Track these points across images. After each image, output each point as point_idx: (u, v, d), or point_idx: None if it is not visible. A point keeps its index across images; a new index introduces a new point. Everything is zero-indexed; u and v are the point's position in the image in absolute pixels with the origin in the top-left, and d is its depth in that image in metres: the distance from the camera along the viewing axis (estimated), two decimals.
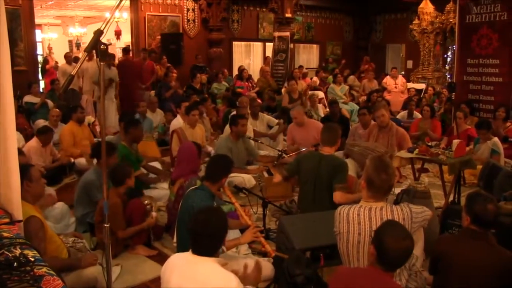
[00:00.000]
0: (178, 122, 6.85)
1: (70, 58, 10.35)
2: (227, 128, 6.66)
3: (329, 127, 4.18)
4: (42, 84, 11.59)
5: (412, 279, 2.65)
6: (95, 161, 4.64)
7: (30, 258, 1.96)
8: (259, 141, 6.49)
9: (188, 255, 2.35)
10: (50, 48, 16.61)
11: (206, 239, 2.30)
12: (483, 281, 2.47)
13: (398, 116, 8.94)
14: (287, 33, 11.96)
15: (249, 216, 3.41)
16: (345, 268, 2.59)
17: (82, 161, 6.17)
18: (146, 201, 4.24)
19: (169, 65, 11.14)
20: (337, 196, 3.70)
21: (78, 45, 16.99)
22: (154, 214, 4.12)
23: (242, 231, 3.38)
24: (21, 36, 9.42)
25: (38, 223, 2.80)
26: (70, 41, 17.92)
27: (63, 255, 3.11)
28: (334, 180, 3.79)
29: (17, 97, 8.15)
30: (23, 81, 8.84)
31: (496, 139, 5.94)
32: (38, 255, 2.03)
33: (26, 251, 2.04)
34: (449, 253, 2.62)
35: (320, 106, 9.48)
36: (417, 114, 8.68)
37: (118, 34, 12.94)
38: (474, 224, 2.59)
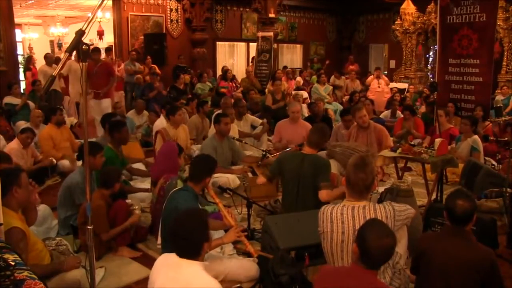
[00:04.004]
0: (161, 122, 6.82)
1: (50, 59, 10.17)
2: (212, 129, 6.66)
3: (320, 130, 4.16)
4: (22, 84, 11.40)
5: (396, 277, 2.68)
6: (80, 162, 4.59)
7: (11, 262, 1.93)
8: (243, 142, 6.49)
9: (174, 257, 2.35)
10: (31, 48, 16.35)
11: (182, 241, 2.28)
12: (463, 278, 2.50)
13: (381, 116, 9.04)
14: (271, 33, 12.00)
15: (233, 217, 3.40)
16: (329, 267, 2.60)
17: (65, 162, 6.09)
18: (130, 201, 4.22)
19: (153, 65, 11.09)
20: (323, 194, 3.71)
21: (60, 45, 16.76)
22: (137, 212, 4.10)
23: (227, 231, 3.38)
24: (0, 36, 9.25)
25: (20, 234, 2.74)
26: (51, 41, 17.66)
27: (46, 260, 3.06)
28: (318, 180, 3.80)
29: None
30: (3, 82, 8.70)
31: (476, 136, 6.04)
32: (19, 259, 2.00)
33: (6, 255, 2.00)
34: (430, 251, 2.66)
35: (304, 106, 9.52)
36: (400, 114, 8.77)
37: (100, 34, 12.81)
38: (448, 220, 2.64)
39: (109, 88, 8.19)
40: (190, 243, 2.29)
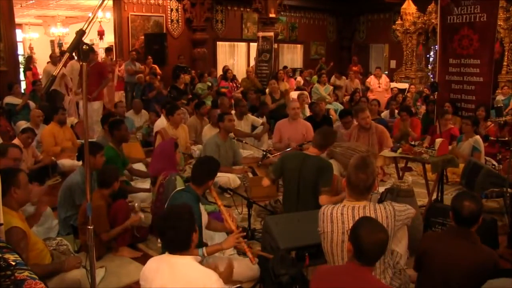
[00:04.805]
0: (162, 122, 6.83)
1: (55, 58, 10.17)
2: (207, 129, 6.69)
3: (326, 133, 4.16)
4: (23, 84, 11.40)
5: (396, 277, 2.68)
6: (80, 162, 4.59)
7: (11, 262, 1.93)
8: (244, 141, 6.49)
9: (165, 256, 2.38)
10: (31, 48, 16.36)
11: (171, 232, 2.33)
12: (464, 278, 2.51)
13: (381, 115, 9.02)
14: (271, 33, 11.99)
15: (234, 221, 3.38)
16: (325, 267, 2.61)
17: (65, 162, 6.09)
18: (130, 200, 4.22)
19: (153, 65, 11.09)
20: (323, 199, 3.69)
21: (60, 45, 16.76)
22: (138, 212, 4.10)
23: (229, 233, 3.37)
24: (1, 36, 9.23)
25: (20, 233, 2.75)
26: (52, 41, 17.67)
27: (46, 260, 3.06)
28: (320, 182, 3.79)
29: None
30: (3, 82, 8.70)
31: (478, 137, 6.05)
32: (19, 259, 2.00)
33: (6, 255, 2.00)
34: (432, 250, 2.66)
35: (306, 106, 9.52)
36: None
37: (101, 34, 12.81)
38: (454, 221, 2.64)
39: (100, 91, 8.08)
40: (179, 234, 2.33)
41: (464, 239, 2.59)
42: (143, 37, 12.01)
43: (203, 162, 3.56)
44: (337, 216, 2.66)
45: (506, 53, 10.50)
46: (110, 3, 11.44)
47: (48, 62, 10.65)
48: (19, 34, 15.46)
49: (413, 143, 5.33)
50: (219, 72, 12.85)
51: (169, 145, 4.67)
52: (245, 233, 3.27)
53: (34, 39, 17.30)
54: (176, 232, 2.33)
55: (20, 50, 14.65)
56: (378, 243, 2.16)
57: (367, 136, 5.77)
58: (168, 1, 12.53)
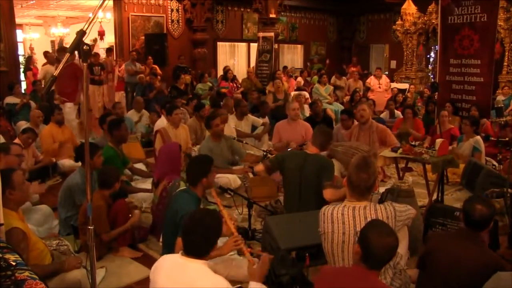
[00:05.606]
0: (162, 122, 6.83)
1: (51, 58, 10.16)
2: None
3: (326, 132, 4.18)
4: (23, 84, 11.39)
5: (397, 277, 2.67)
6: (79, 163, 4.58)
7: (12, 263, 1.93)
8: (244, 142, 6.49)
9: (177, 257, 2.35)
10: (31, 49, 16.36)
11: (197, 237, 2.30)
12: (464, 279, 2.50)
13: (381, 116, 9.02)
14: (272, 34, 12.00)
15: (234, 224, 3.36)
16: (330, 268, 2.60)
17: (65, 162, 6.09)
18: (131, 201, 4.23)
19: (154, 65, 11.10)
20: (328, 193, 3.66)
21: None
22: (136, 211, 4.11)
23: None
24: (1, 36, 9.23)
25: (20, 234, 2.75)
26: (52, 42, 17.67)
27: (47, 260, 3.06)
28: (322, 178, 3.78)
29: None
30: (3, 82, 8.70)
31: (478, 137, 6.05)
32: (20, 259, 2.00)
33: (7, 255, 2.00)
34: (437, 250, 2.67)
35: (306, 106, 9.52)
36: (399, 114, 8.76)
37: (101, 34, 12.82)
38: (464, 223, 2.64)
39: (76, 93, 7.85)
40: (201, 241, 2.31)
41: (470, 241, 2.59)
42: (143, 37, 12.02)
43: (193, 162, 3.64)
44: (338, 217, 2.66)
45: (507, 53, 10.49)
46: (111, 3, 11.45)
47: (46, 63, 10.63)
48: (20, 35, 15.45)
49: (413, 143, 5.33)
50: (220, 72, 12.85)
51: (174, 149, 4.67)
52: (242, 238, 3.23)
53: (35, 39, 17.30)
54: (199, 238, 2.30)
55: (21, 51, 14.65)
56: (387, 247, 2.15)
57: (367, 135, 5.76)
58: (169, 2, 12.54)
